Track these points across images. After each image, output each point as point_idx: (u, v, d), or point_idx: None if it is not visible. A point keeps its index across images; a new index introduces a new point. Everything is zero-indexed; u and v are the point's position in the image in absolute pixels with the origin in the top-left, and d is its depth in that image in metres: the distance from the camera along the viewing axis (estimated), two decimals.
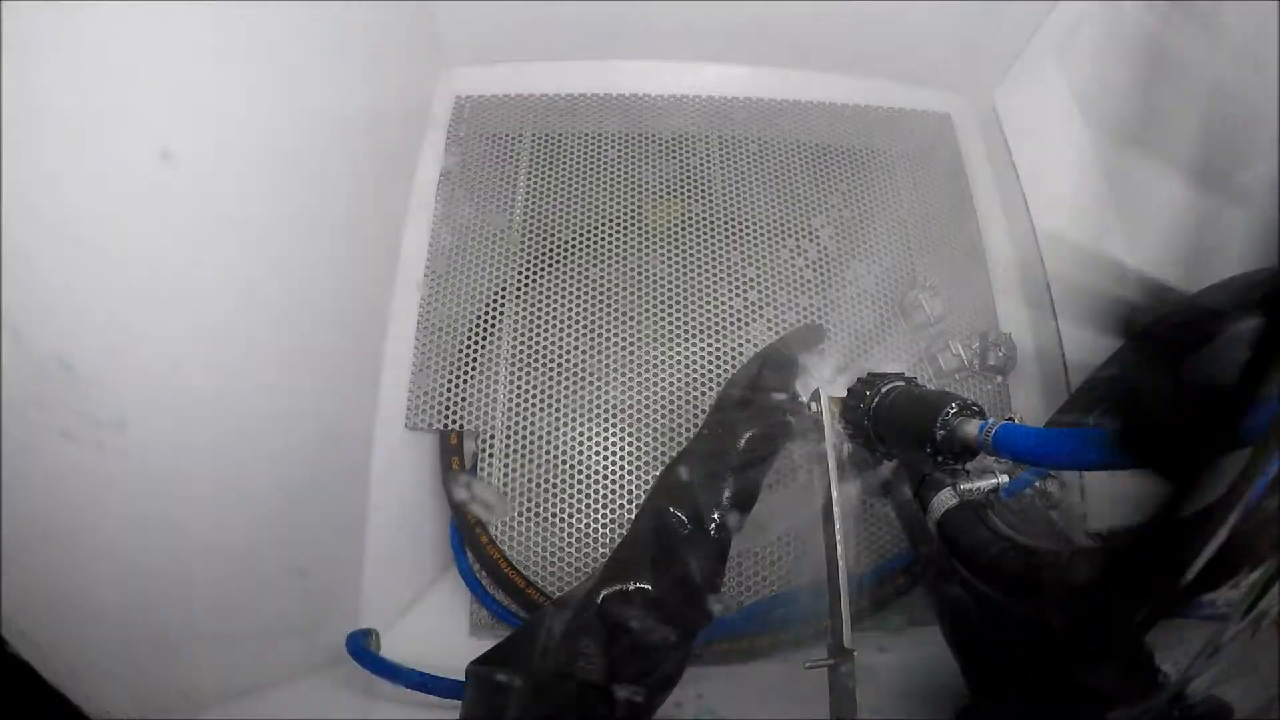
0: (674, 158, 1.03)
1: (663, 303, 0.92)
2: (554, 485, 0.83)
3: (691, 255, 0.96)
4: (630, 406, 0.87)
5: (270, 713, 0.61)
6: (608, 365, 0.89)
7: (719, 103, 1.08)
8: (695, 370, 0.89)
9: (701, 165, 1.03)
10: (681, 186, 1.01)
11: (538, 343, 0.90)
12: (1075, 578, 0.33)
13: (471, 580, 0.82)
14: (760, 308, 0.93)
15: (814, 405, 0.65)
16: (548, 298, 0.93)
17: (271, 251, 0.65)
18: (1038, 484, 0.76)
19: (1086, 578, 0.32)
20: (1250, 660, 0.35)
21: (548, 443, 0.85)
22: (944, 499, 0.48)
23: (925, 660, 0.61)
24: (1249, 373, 0.27)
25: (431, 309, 0.93)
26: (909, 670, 0.66)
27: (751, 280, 0.95)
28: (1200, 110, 0.68)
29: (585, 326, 0.91)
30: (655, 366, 0.89)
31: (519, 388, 0.88)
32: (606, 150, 1.03)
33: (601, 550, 0.81)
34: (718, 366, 0.89)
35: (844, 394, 0.64)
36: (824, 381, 0.82)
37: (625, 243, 0.96)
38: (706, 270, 0.95)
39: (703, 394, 0.87)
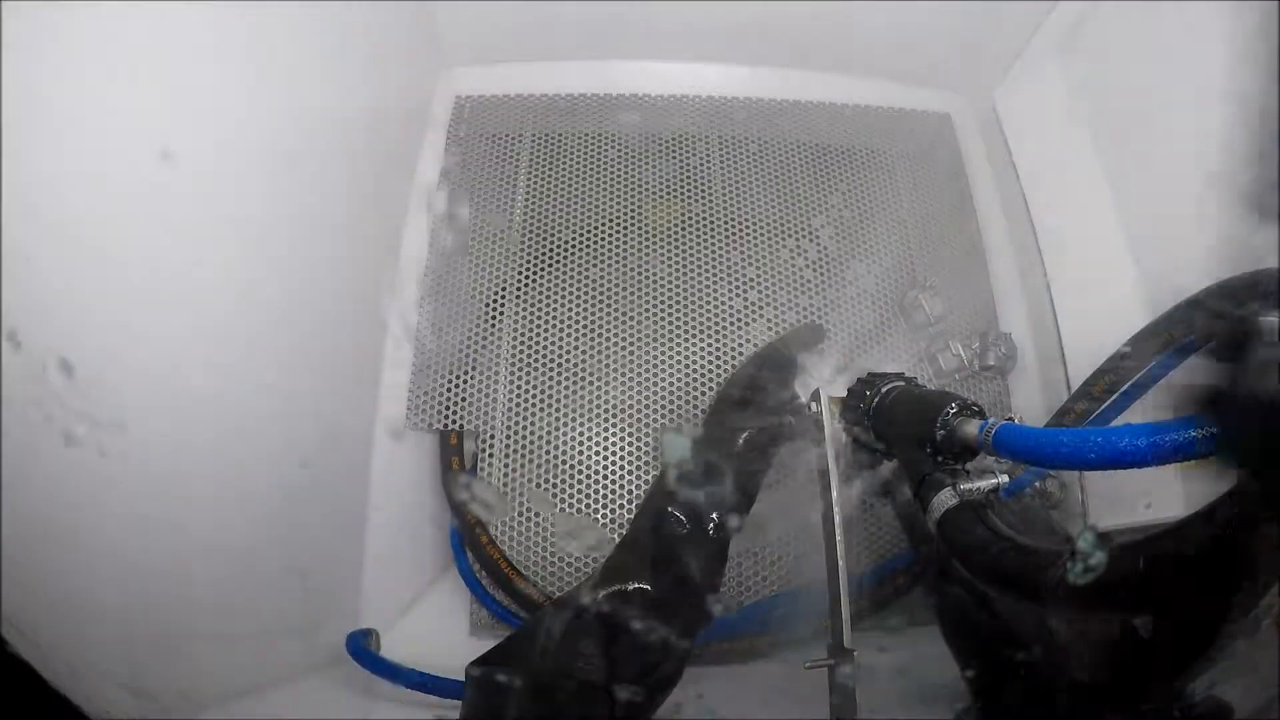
0: (674, 158, 1.03)
1: (663, 303, 0.92)
2: (554, 485, 0.83)
3: (691, 255, 0.96)
4: (630, 406, 0.87)
5: (270, 713, 0.61)
6: (608, 365, 0.89)
7: (719, 103, 1.08)
8: (695, 370, 0.89)
9: (701, 165, 1.03)
10: (681, 186, 1.01)
11: (538, 343, 0.90)
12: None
13: (471, 580, 0.82)
14: (760, 308, 0.93)
15: (814, 405, 0.65)
16: (548, 298, 0.93)
17: (271, 251, 0.65)
18: (1038, 484, 0.76)
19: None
20: (1250, 660, 0.35)
21: (548, 443, 0.85)
22: (944, 499, 0.48)
23: (925, 660, 0.61)
24: None
25: (431, 309, 0.93)
26: (909, 670, 0.66)
27: (751, 280, 0.95)
28: (1200, 110, 0.68)
29: (585, 326, 0.91)
30: (655, 366, 0.89)
31: (519, 388, 0.88)
32: (606, 150, 1.03)
33: (601, 550, 0.81)
34: (718, 366, 0.89)
35: (844, 394, 0.64)
36: (824, 381, 0.82)
37: (625, 243, 0.96)
38: (706, 270, 0.95)
39: (703, 394, 0.87)
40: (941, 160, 1.06)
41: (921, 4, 0.97)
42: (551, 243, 0.96)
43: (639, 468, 0.84)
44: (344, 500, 0.83)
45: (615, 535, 0.82)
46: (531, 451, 0.85)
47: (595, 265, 0.95)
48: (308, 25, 0.69)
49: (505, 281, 0.94)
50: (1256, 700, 0.38)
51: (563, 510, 0.82)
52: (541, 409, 0.86)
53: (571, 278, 0.94)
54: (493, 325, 0.91)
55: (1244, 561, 0.31)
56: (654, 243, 0.96)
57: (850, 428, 0.64)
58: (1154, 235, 0.75)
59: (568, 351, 0.89)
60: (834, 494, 0.59)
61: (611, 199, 1.00)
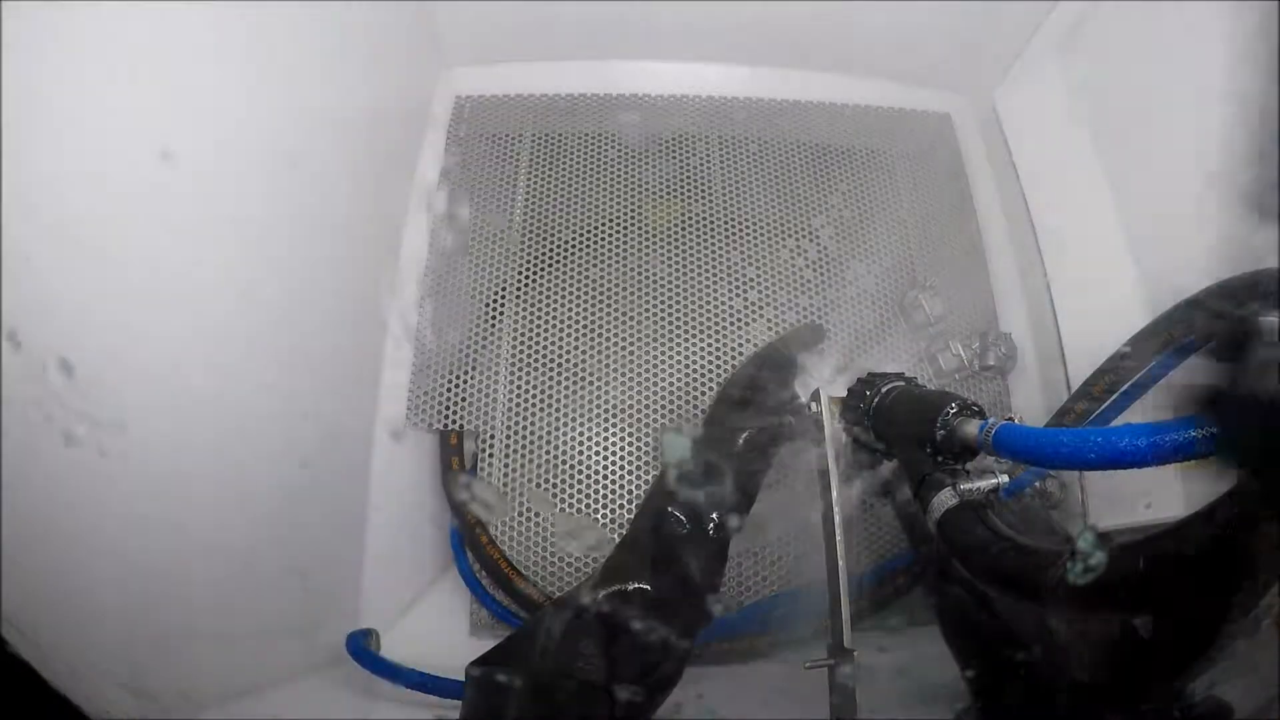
0: (674, 158, 1.03)
1: (663, 303, 0.92)
2: (554, 485, 0.83)
3: (691, 255, 0.96)
4: (630, 406, 0.87)
5: (270, 713, 0.61)
6: (608, 365, 0.89)
7: (719, 103, 1.08)
8: (695, 370, 0.89)
9: (701, 165, 1.03)
10: (681, 186, 1.01)
11: (538, 343, 0.90)
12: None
13: (471, 580, 0.82)
14: (760, 308, 0.93)
15: (814, 405, 0.65)
16: (548, 298, 0.93)
17: (271, 251, 0.65)
18: (1038, 484, 0.76)
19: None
20: (1250, 660, 0.35)
21: (548, 443, 0.85)
22: (944, 499, 0.48)
23: (925, 660, 0.61)
24: None
25: (431, 309, 0.93)
26: (909, 670, 0.66)
27: (751, 280, 0.95)
28: (1200, 110, 0.68)
29: (585, 326, 0.91)
30: (655, 366, 0.89)
31: (519, 388, 0.88)
32: (606, 150, 1.03)
33: (601, 550, 0.81)
34: (718, 366, 0.89)
35: (844, 394, 0.64)
36: (824, 381, 0.82)
37: (625, 243, 0.96)
38: (706, 270, 0.95)
39: (703, 394, 0.87)
40: (941, 160, 1.06)
41: (921, 4, 0.97)
42: (551, 243, 0.96)
43: (639, 468, 0.84)
44: (344, 500, 0.83)
45: (615, 535, 0.82)
46: (531, 451, 0.85)
47: (595, 265, 0.95)
48: (308, 25, 0.69)
49: (505, 281, 0.94)
50: (1256, 700, 0.38)
51: (563, 510, 0.83)
52: (541, 409, 0.86)
53: (571, 278, 0.94)
54: (493, 325, 0.91)
55: (1244, 561, 0.31)
56: (654, 243, 0.96)
57: (850, 428, 0.64)
58: (1154, 235, 0.75)
59: (568, 351, 0.89)
60: (834, 494, 0.59)
61: (611, 199, 0.99)
